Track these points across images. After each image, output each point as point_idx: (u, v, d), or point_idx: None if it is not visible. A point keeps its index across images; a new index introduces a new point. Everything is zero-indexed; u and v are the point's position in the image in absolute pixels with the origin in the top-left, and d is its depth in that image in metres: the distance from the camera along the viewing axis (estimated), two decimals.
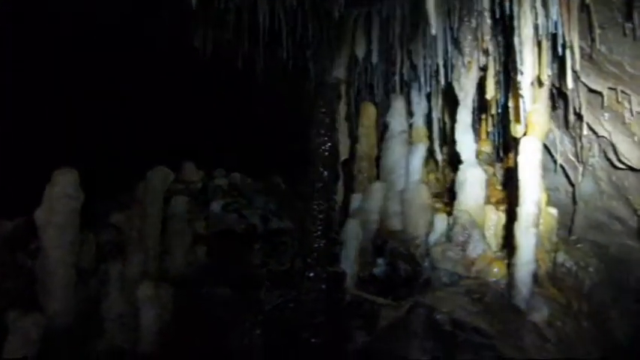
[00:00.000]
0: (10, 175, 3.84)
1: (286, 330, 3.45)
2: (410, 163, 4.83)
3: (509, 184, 4.23)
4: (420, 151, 4.85)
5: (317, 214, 3.23)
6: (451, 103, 4.48)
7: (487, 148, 4.78)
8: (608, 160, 3.96)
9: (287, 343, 3.38)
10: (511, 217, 3.84)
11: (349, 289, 3.65)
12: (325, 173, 3.18)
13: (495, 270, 4.02)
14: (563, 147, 4.23)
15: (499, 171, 4.77)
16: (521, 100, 3.48)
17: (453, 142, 4.43)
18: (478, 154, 4.51)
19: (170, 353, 3.16)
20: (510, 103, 3.87)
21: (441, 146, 4.88)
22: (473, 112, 4.39)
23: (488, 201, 4.46)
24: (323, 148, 3.20)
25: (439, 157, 4.84)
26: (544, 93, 3.61)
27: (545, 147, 4.06)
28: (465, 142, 4.28)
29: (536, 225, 3.49)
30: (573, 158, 4.24)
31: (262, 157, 6.45)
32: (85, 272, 3.10)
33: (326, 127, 3.18)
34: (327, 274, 3.28)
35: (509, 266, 3.90)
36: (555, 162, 4.27)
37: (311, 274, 3.28)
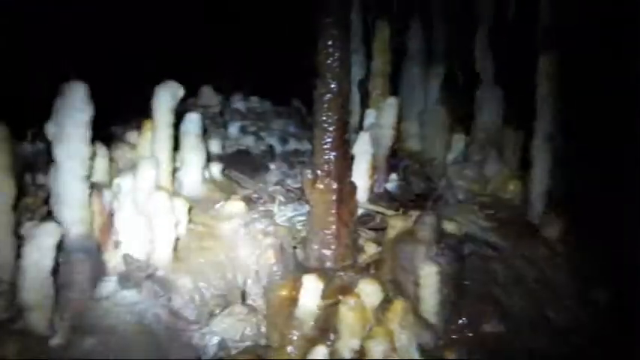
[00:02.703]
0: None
1: (298, 241, 3.51)
2: (429, 84, 4.83)
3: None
4: (439, 72, 4.84)
5: (326, 127, 3.21)
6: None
7: None
8: None
9: (298, 254, 3.45)
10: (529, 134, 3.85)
11: (360, 202, 3.68)
12: (333, 85, 3.15)
13: (511, 187, 4.03)
14: None
15: None
16: None
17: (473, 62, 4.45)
18: None
19: (184, 263, 3.20)
20: None
21: (461, 67, 4.86)
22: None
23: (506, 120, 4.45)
24: (331, 59, 3.15)
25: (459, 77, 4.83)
26: None
27: None
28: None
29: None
30: None
31: (281, 81, 6.43)
32: (98, 185, 3.13)
33: (334, 39, 3.14)
34: (336, 186, 3.28)
35: (525, 184, 3.91)
36: None
37: (321, 186, 3.28)
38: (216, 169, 3.91)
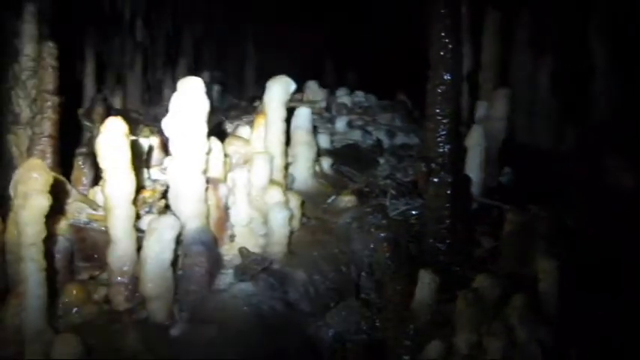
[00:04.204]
0: None
1: (411, 235, 3.47)
2: (539, 73, 4.72)
3: None
4: (549, 62, 4.72)
5: (440, 119, 3.17)
6: None
7: None
8: None
9: (412, 248, 3.42)
10: None
11: (475, 195, 3.62)
12: (447, 76, 3.10)
13: None
14: None
15: None
16: None
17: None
18: None
19: (299, 257, 3.22)
20: None
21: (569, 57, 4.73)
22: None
23: None
24: (444, 51, 3.11)
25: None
26: None
27: None
28: None
29: None
30: None
31: (386, 75, 6.42)
32: (214, 180, 3.19)
33: (447, 30, 3.09)
34: (452, 179, 3.23)
35: None
36: None
37: (435, 180, 3.24)
38: (326, 163, 3.93)
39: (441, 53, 3.14)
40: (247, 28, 8.22)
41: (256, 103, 5.99)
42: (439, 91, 3.17)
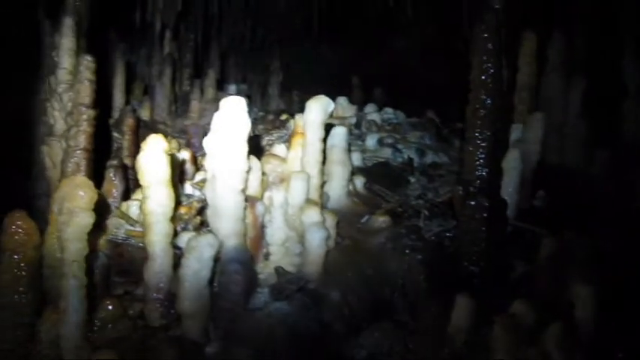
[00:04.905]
0: None
1: (446, 257, 3.46)
2: (570, 95, 4.71)
3: None
4: (579, 84, 4.70)
5: (479, 143, 3.17)
6: None
7: None
8: None
9: (447, 270, 3.40)
10: None
11: (509, 219, 3.60)
12: (488, 100, 3.10)
13: None
14: None
15: None
16: None
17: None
18: None
19: (333, 277, 3.23)
20: None
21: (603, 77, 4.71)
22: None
23: None
24: (486, 75, 3.11)
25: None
26: None
27: None
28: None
29: None
30: None
31: (414, 92, 6.43)
32: (251, 198, 3.20)
33: (489, 54, 3.09)
34: (489, 202, 3.23)
35: None
36: None
37: (472, 203, 3.24)
38: (359, 182, 3.94)
39: (482, 77, 3.13)
40: (273, 41, 8.26)
41: (283, 117, 6.02)
42: (479, 114, 3.16)
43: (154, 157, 2.86)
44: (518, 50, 4.45)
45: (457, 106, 5.50)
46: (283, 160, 3.54)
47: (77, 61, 4.07)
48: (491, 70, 3.14)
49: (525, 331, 2.93)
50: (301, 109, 3.46)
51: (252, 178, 3.27)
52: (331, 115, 4.94)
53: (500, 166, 3.46)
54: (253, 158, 3.24)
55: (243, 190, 3.07)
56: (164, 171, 2.90)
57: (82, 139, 3.91)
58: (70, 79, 4.14)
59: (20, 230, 2.68)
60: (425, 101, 6.31)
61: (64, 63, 4.16)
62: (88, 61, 3.94)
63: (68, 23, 4.14)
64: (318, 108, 3.34)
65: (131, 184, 4.22)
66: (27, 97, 4.75)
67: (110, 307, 2.87)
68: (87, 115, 3.91)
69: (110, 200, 3.70)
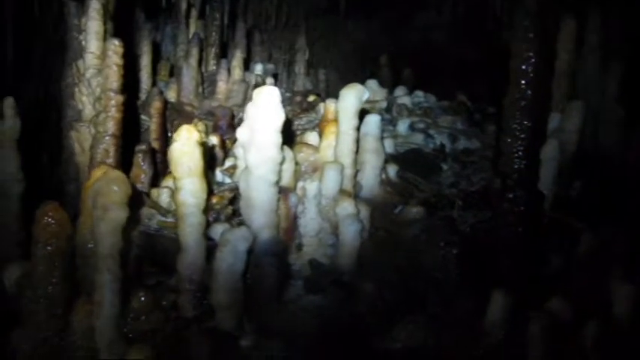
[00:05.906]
0: None
1: (481, 251, 3.40)
2: (606, 80, 4.59)
3: None
4: (617, 68, 4.59)
5: (518, 134, 3.09)
6: None
7: None
8: None
9: (482, 265, 3.34)
10: None
11: (547, 211, 3.53)
12: (528, 91, 3.02)
13: None
14: None
15: None
16: None
17: None
18: None
19: (367, 269, 3.19)
20: None
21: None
22: None
23: None
24: (526, 64, 3.02)
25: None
26: None
27: None
28: None
29: None
30: None
31: (443, 70, 6.32)
32: (284, 189, 3.16)
33: (530, 43, 3.00)
34: (526, 195, 3.15)
35: None
36: None
37: (511, 196, 3.16)
38: (392, 170, 3.87)
39: (523, 67, 3.04)
40: (299, 18, 8.15)
41: (311, 99, 5.93)
42: (519, 105, 3.07)
43: (186, 149, 2.82)
44: (557, 36, 4.32)
45: (488, 85, 5.42)
46: (315, 149, 3.49)
47: (105, 45, 4.02)
48: (533, 60, 3.04)
49: (562, 329, 2.88)
50: (327, 88, 3.40)
51: (285, 168, 3.22)
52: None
53: (539, 157, 3.37)
54: (286, 148, 3.19)
55: (277, 182, 3.03)
56: (197, 163, 2.86)
57: (110, 125, 3.88)
58: (97, 64, 4.09)
59: (53, 221, 2.65)
60: (455, 80, 6.21)
61: (91, 47, 4.12)
62: (115, 45, 3.89)
63: (95, 6, 4.08)
64: (352, 96, 3.27)
65: (159, 168, 4.20)
66: (53, 81, 4.71)
67: (143, 298, 2.84)
68: (115, 100, 3.87)
69: (139, 186, 3.69)
